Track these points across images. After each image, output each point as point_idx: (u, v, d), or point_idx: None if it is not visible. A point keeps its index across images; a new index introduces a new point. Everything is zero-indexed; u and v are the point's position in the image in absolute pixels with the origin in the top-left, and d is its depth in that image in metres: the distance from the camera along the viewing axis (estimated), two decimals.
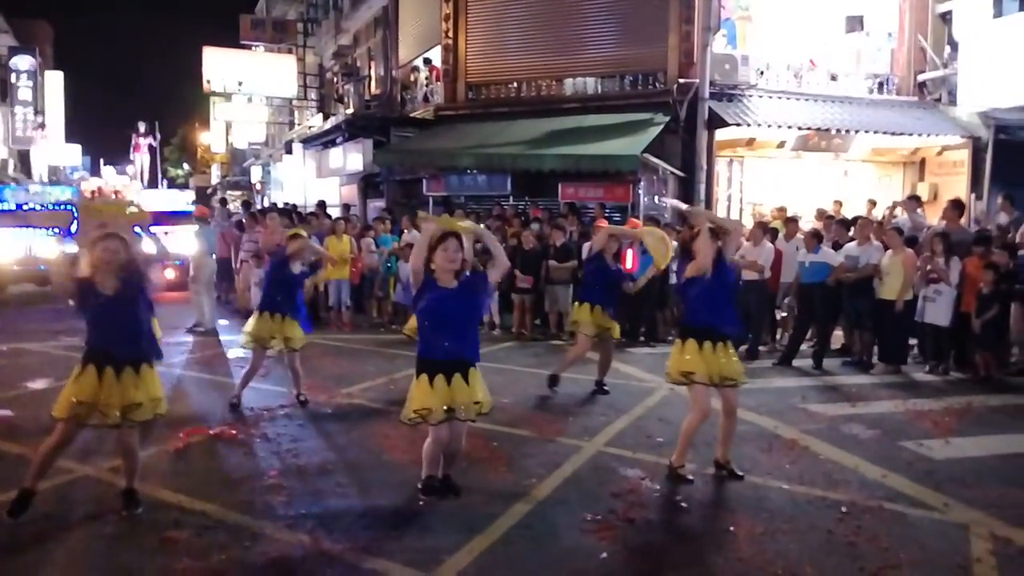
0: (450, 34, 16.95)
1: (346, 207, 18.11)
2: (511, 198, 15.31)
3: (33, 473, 4.62)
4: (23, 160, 36.07)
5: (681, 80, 13.96)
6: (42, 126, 36.47)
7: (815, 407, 7.53)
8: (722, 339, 5.37)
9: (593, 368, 8.13)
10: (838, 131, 14.34)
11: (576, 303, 8.07)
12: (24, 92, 32.80)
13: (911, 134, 14.50)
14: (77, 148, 47.83)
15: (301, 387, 7.38)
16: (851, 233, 9.96)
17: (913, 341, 9.73)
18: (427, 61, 18.46)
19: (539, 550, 4.32)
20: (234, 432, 6.41)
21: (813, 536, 4.54)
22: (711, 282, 5.34)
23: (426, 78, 18.54)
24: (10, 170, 32.12)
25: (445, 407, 4.57)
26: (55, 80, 41.41)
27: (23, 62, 32.88)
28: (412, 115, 18.17)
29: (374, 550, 4.25)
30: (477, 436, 6.34)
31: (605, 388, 7.94)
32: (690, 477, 5.39)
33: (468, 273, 4.75)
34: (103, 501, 4.90)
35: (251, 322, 7.20)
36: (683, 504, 5.06)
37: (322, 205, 15.83)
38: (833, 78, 15.26)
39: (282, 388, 7.77)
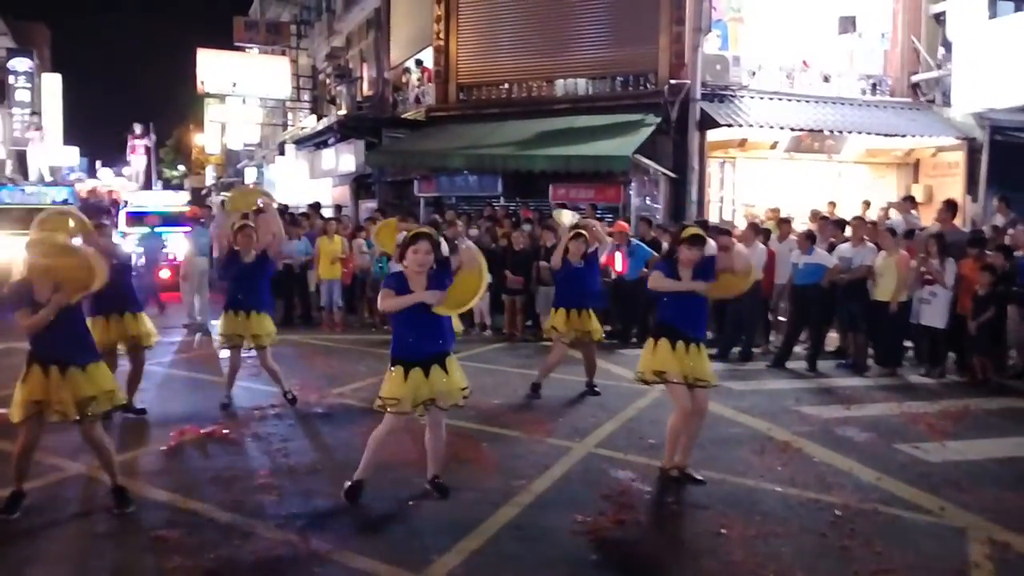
0: (441, 35, 16.94)
1: (338, 208, 18.10)
2: (502, 199, 15.30)
3: (15, 476, 4.66)
4: (20, 161, 36.02)
5: (672, 81, 13.96)
6: (39, 127, 36.38)
7: (809, 409, 7.50)
8: (695, 340, 5.34)
9: (581, 369, 8.10)
10: (831, 132, 14.36)
11: (552, 309, 7.97)
12: (22, 93, 32.84)
13: (905, 135, 14.52)
14: (75, 150, 47.81)
15: (284, 384, 7.33)
16: (845, 234, 9.96)
17: (909, 343, 9.73)
18: (419, 62, 18.47)
19: (529, 551, 4.29)
20: (225, 431, 6.38)
21: (806, 539, 4.52)
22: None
23: (418, 79, 18.54)
24: (7, 171, 32.06)
25: (419, 401, 4.74)
26: (52, 82, 41.36)
27: (21, 64, 32.90)
28: (404, 116, 18.17)
29: (363, 550, 4.23)
30: (466, 437, 6.33)
31: (596, 389, 7.91)
32: (674, 474, 5.36)
33: (433, 267, 4.81)
34: (94, 499, 4.89)
35: (220, 322, 7.16)
36: (674, 506, 5.04)
37: (316, 206, 15.79)
38: (826, 79, 15.28)
39: (273, 388, 7.71)
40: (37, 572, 4.00)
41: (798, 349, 9.83)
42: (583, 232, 7.82)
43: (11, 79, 32.39)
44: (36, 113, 35.16)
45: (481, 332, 11.54)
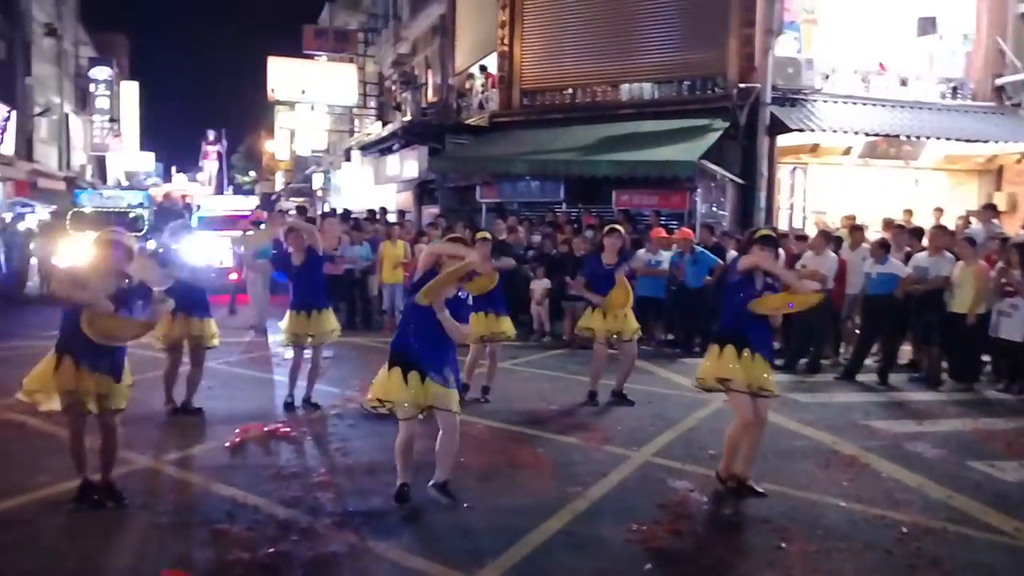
0: (506, 41, 17.00)
1: (401, 213, 18.32)
2: (564, 205, 15.25)
3: (77, 466, 4.82)
4: (100, 166, 37.61)
5: (741, 85, 13.69)
6: (118, 134, 37.91)
7: (878, 423, 7.25)
8: (760, 349, 5.20)
9: (641, 377, 7.97)
10: (908, 137, 13.88)
11: (588, 310, 7.86)
12: (102, 101, 34.23)
13: (987, 141, 13.90)
14: (151, 155, 49.67)
15: (312, 388, 7.36)
16: (922, 243, 9.60)
17: (986, 358, 9.31)
18: (483, 68, 18.57)
19: (582, 557, 4.25)
20: (287, 430, 6.49)
21: (870, 556, 4.35)
22: (750, 291, 5.21)
23: (482, 85, 18.64)
24: (87, 175, 33.52)
25: (411, 403, 4.71)
26: (131, 90, 43.11)
27: (101, 72, 34.31)
28: (467, 122, 18.29)
29: (417, 550, 4.25)
30: (522, 442, 6.33)
31: (628, 398, 7.71)
32: (730, 484, 5.22)
33: (463, 295, 4.89)
34: (160, 492, 5.05)
35: (284, 321, 7.28)
36: (733, 518, 4.92)
37: (383, 211, 16.05)
38: (903, 83, 14.77)
39: (334, 388, 7.85)
40: (105, 561, 4.13)
41: (869, 362, 9.51)
42: (617, 228, 7.77)
43: (92, 87, 33.80)
44: (115, 120, 36.64)
45: (540, 338, 11.51)
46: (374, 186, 23.27)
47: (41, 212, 19.94)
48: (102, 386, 4.69)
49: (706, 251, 10.79)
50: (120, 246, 4.76)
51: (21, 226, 17.02)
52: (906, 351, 9.87)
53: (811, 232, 12.18)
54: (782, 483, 5.44)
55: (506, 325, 7.65)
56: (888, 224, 12.06)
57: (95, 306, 4.57)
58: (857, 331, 10.20)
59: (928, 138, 13.91)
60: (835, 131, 13.40)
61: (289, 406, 7.19)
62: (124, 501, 4.80)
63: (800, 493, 5.30)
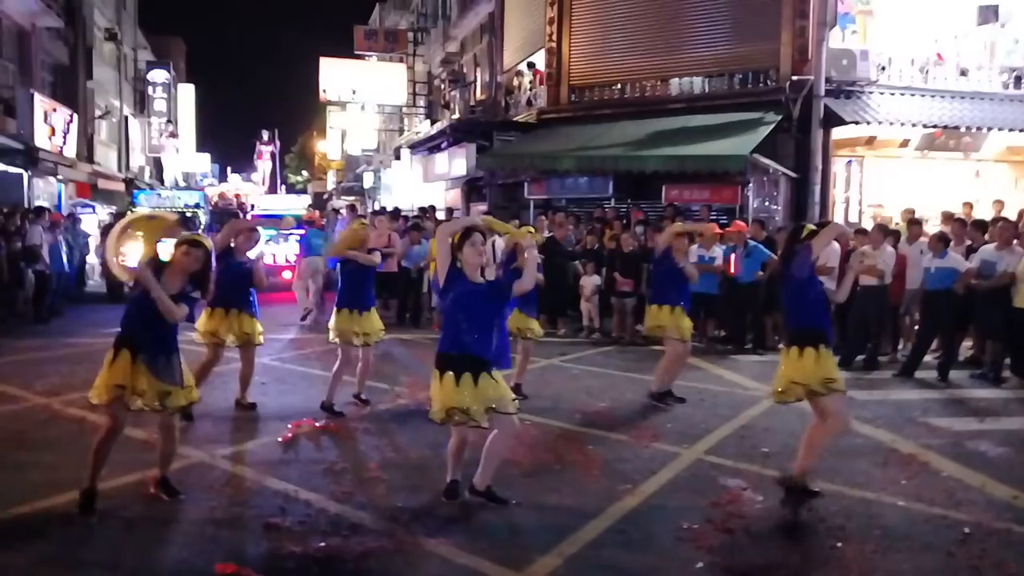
0: (554, 37, 16.96)
1: (449, 211, 18.41)
2: (613, 200, 15.15)
3: (92, 469, 4.69)
4: (157, 167, 38.55)
5: (794, 77, 13.44)
6: (175, 135, 38.81)
7: (938, 421, 7.05)
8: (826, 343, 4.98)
9: (693, 373, 7.86)
10: (968, 129, 13.44)
11: (651, 306, 7.73)
12: (159, 103, 35.04)
13: None
14: (206, 156, 50.75)
15: (363, 385, 7.38)
16: (985, 236, 9.29)
17: None
18: (531, 65, 18.56)
19: (632, 556, 4.21)
20: (338, 425, 6.56)
21: (929, 557, 4.23)
22: (817, 285, 5.06)
23: (530, 82, 18.63)
24: (146, 176, 34.38)
25: (465, 407, 4.54)
26: (187, 92, 44.10)
27: (159, 75, 35.12)
28: (515, 119, 18.29)
29: (466, 546, 4.25)
30: (572, 439, 6.30)
31: (677, 397, 7.57)
32: (815, 489, 4.95)
33: (499, 275, 4.75)
34: (214, 487, 5.13)
35: (332, 319, 7.31)
36: (787, 517, 4.81)
37: (432, 209, 16.17)
38: (963, 73, 14.33)
39: (383, 384, 7.92)
40: (161, 553, 4.22)
41: (928, 358, 9.25)
42: (690, 230, 7.72)
43: (150, 90, 34.60)
44: (172, 122, 37.50)
45: (589, 335, 11.46)
46: (423, 184, 23.45)
47: (101, 213, 20.53)
48: (156, 384, 4.69)
49: (760, 245, 10.61)
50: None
51: (83, 226, 17.55)
52: (966, 347, 9.57)
53: (867, 226, 11.90)
54: (838, 482, 5.31)
55: (533, 324, 7.62)
56: (947, 217, 11.70)
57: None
58: (916, 327, 9.92)
59: (990, 129, 13.46)
60: (892, 123, 13.09)
61: (329, 408, 7.00)
62: (179, 495, 4.87)
63: (857, 492, 5.17)
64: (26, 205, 15.72)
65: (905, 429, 6.74)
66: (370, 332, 7.21)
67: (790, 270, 5.06)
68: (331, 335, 7.29)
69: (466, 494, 4.84)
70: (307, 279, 12.60)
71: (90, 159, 24.79)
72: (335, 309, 7.26)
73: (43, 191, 19.46)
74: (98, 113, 26.22)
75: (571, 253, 12.11)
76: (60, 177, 20.70)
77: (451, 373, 4.60)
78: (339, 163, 47.35)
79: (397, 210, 18.07)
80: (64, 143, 20.30)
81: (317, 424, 6.58)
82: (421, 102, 28.08)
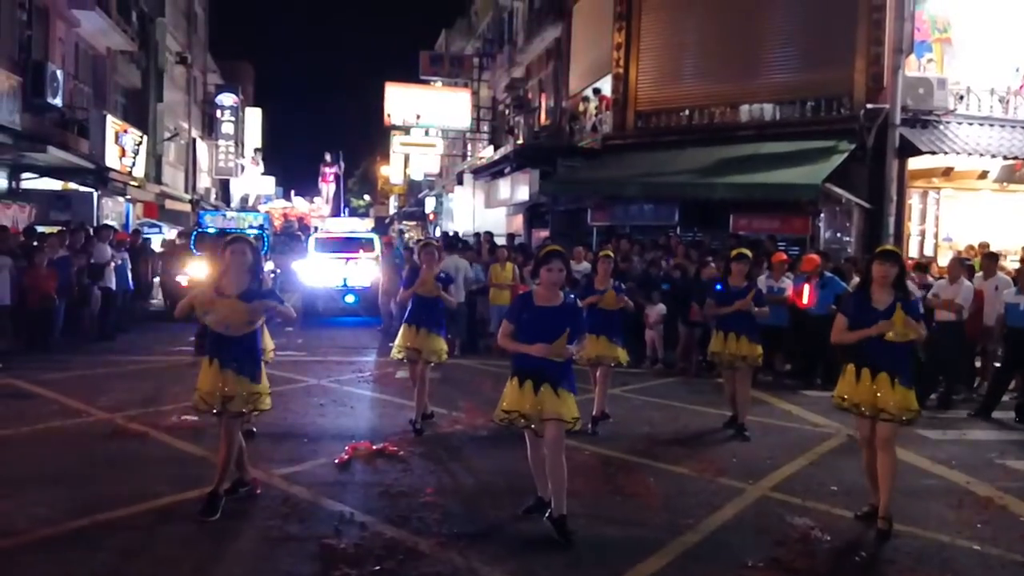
0: (621, 63, 16.90)
1: (511, 236, 18.39)
2: (679, 228, 14.92)
3: (220, 471, 5.03)
4: (224, 188, 39.59)
5: (869, 105, 13.09)
6: (242, 158, 39.90)
7: (1016, 463, 6.71)
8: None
9: (759, 408, 7.61)
10: None
11: (718, 335, 7.53)
12: (227, 127, 36.07)
13: None
14: (271, 179, 52.09)
15: (420, 409, 7.27)
16: None
17: None
18: (596, 91, 18.53)
19: None
20: (395, 448, 6.53)
21: None
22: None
23: (595, 107, 18.60)
24: (212, 198, 35.33)
25: (526, 412, 4.69)
26: (254, 116, 45.40)
27: (227, 99, 36.20)
28: (580, 145, 18.24)
29: (521, 574, 4.15)
30: (633, 470, 6.14)
31: (745, 432, 7.32)
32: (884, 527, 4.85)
33: (572, 297, 4.96)
34: (271, 505, 5.13)
35: (399, 334, 7.36)
36: (856, 558, 4.58)
37: (488, 235, 16.18)
38: None
39: (442, 409, 7.86)
40: (216, 570, 4.23)
41: (1006, 398, 8.79)
42: (746, 253, 7.54)
43: (218, 113, 35.67)
44: (240, 145, 38.49)
45: (652, 365, 11.22)
46: (484, 209, 23.55)
47: (168, 232, 21.09)
48: (241, 387, 4.97)
49: (835, 277, 10.27)
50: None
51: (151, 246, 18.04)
52: None
53: (942, 260, 11.46)
54: (909, 523, 5.06)
55: (619, 351, 7.49)
56: None
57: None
58: (995, 364, 9.46)
59: None
60: (970, 154, 12.61)
61: (418, 432, 7.02)
62: (214, 516, 4.84)
63: (929, 534, 4.93)
64: (94, 224, 16.18)
65: (981, 471, 6.42)
66: (428, 351, 7.20)
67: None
68: (394, 351, 7.32)
69: (550, 523, 4.73)
70: (387, 295, 13.00)
71: (158, 180, 25.63)
72: (403, 323, 7.30)
73: (112, 210, 20.15)
74: (167, 135, 27.10)
75: (639, 280, 11.83)
76: (128, 197, 21.44)
77: (517, 379, 4.80)
78: (401, 188, 48.05)
79: (456, 235, 18.14)
80: (133, 164, 21.03)
81: (374, 447, 6.55)
82: (485, 127, 28.34)
